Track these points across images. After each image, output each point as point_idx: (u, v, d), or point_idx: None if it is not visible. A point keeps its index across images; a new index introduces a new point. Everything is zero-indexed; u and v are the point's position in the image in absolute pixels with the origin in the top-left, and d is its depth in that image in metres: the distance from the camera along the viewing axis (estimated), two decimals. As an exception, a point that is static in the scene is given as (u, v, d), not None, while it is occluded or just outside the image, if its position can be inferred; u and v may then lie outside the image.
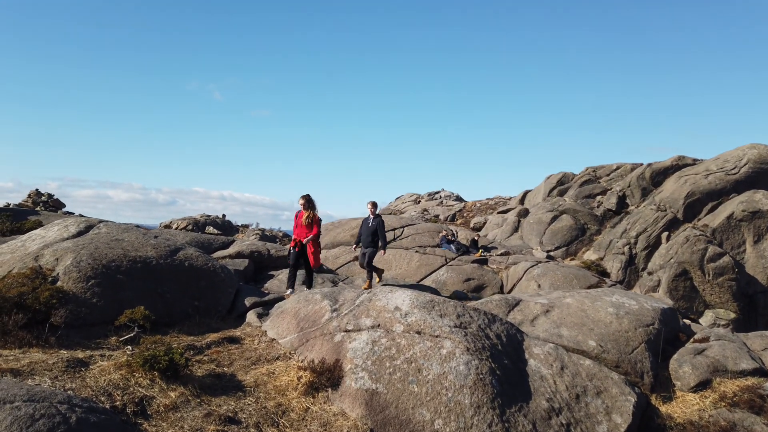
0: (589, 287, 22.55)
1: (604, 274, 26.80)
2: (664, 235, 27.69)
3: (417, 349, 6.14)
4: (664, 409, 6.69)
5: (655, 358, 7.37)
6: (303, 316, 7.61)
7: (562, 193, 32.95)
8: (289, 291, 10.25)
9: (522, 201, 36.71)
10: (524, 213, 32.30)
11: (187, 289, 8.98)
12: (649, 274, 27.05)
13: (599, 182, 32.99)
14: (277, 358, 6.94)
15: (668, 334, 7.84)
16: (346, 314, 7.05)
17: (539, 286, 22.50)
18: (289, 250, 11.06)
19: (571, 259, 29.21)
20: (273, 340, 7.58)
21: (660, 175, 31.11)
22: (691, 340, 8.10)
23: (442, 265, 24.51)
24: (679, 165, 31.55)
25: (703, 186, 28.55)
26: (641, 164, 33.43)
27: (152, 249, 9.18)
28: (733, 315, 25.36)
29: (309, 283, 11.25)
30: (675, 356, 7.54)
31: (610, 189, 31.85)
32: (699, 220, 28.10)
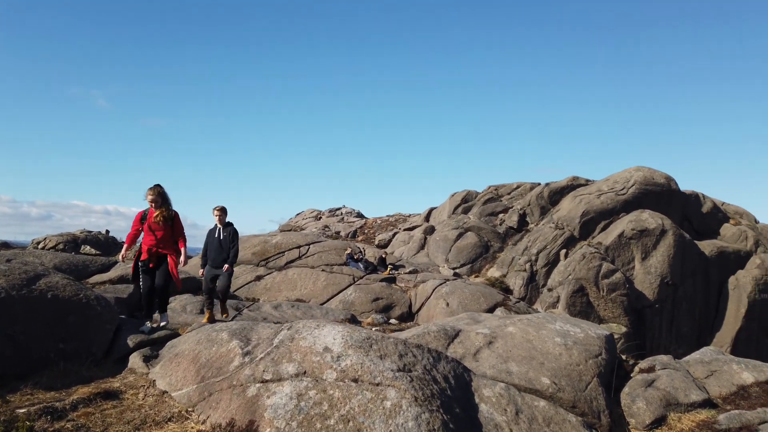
0: (496, 305, 22.55)
1: (507, 290, 27.12)
2: (563, 252, 28.67)
3: (355, 403, 4.92)
4: (624, 453, 6.05)
5: (608, 393, 6.75)
6: (205, 361, 6.08)
7: (466, 211, 33.26)
8: (147, 323, 8.08)
9: (427, 218, 36.69)
10: (430, 230, 32.14)
11: (50, 328, 7.03)
12: (549, 290, 27.79)
13: (501, 200, 33.73)
14: (170, 419, 5.37)
15: (614, 365, 7.30)
16: (262, 358, 5.65)
17: (447, 304, 22.12)
18: (136, 265, 8.03)
19: (475, 276, 29.34)
20: (164, 393, 5.97)
21: (557, 195, 32.39)
22: (637, 369, 7.65)
23: (350, 285, 23.40)
24: (573, 185, 33.06)
25: (596, 205, 30.02)
26: (539, 184, 34.70)
27: (1, 277, 7.15)
28: (624, 329, 26.59)
29: (161, 307, 8.32)
30: (626, 390, 6.99)
31: (512, 207, 32.64)
32: (593, 237, 29.46)
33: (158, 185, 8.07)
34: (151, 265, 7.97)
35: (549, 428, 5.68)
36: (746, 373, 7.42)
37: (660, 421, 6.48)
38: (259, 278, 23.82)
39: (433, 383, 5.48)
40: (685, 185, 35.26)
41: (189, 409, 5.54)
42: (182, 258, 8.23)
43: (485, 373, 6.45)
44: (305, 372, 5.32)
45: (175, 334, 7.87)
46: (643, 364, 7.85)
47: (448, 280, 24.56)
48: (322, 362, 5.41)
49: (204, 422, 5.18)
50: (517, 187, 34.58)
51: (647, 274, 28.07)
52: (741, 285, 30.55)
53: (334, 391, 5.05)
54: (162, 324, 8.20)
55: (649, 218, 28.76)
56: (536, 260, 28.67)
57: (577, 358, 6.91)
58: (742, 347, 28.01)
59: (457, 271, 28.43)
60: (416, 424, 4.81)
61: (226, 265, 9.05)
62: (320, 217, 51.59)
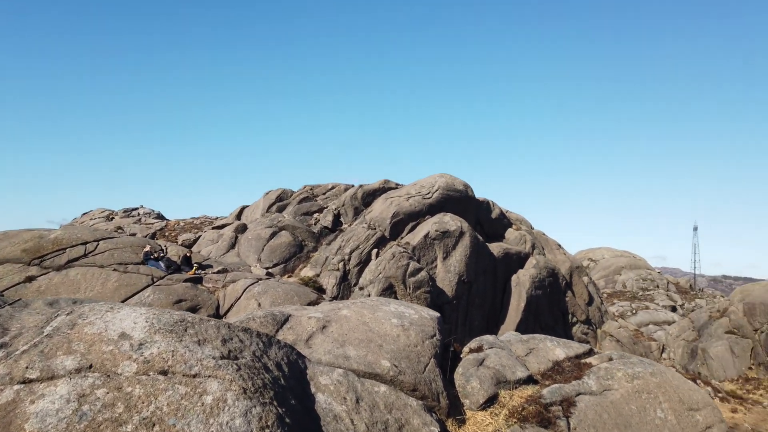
0: (309, 304, 22.02)
1: (320, 290, 26.78)
2: (374, 252, 29.36)
3: (163, 401, 3.74)
4: (460, 434, 5.79)
5: (444, 375, 6.49)
6: (-70, 363, 4.24)
7: (281, 210, 32.24)
8: None
9: (239, 216, 34.73)
10: (242, 229, 30.39)
11: None
12: (361, 288, 28.18)
13: (316, 200, 33.45)
14: None
15: (447, 345, 7.13)
16: (26, 351, 4.08)
17: (260, 304, 20.95)
18: None
19: (289, 276, 28.49)
20: None
21: (370, 196, 33.21)
22: (467, 350, 7.60)
23: (148, 285, 20.75)
24: (385, 188, 34.26)
25: (405, 207, 31.44)
26: (353, 185, 35.27)
27: None
28: (428, 324, 28.05)
29: None
30: (459, 370, 6.83)
31: (327, 207, 32.56)
32: (402, 238, 30.76)
33: None
34: None
35: (391, 415, 5.14)
36: (559, 349, 7.89)
37: (492, 399, 6.44)
38: (30, 279, 19.82)
39: (264, 372, 4.53)
40: (477, 192, 39.01)
41: None
42: None
43: (321, 360, 5.68)
44: (91, 366, 3.95)
45: None
46: (472, 344, 7.89)
47: (260, 279, 23.29)
48: (117, 352, 4.09)
49: None
50: (332, 187, 34.68)
51: (447, 272, 30.16)
52: (521, 282, 34.69)
53: (133, 388, 3.80)
54: None
55: (450, 221, 31.01)
56: (349, 260, 28.89)
57: (414, 338, 6.55)
58: (522, 337, 31.63)
59: (270, 270, 27.25)
60: (245, 422, 3.82)
61: None
62: (113, 218, 45.86)
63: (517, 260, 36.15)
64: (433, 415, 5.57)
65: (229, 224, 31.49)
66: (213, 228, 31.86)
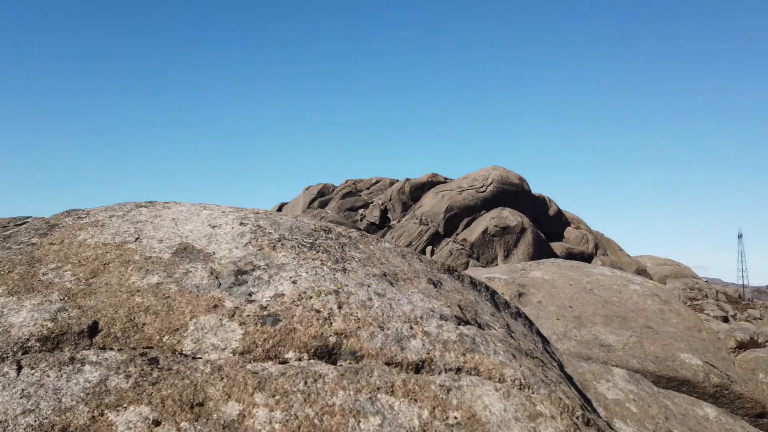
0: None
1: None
2: (429, 249, 26.53)
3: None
4: None
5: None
6: None
7: (322, 205, 29.68)
8: None
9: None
10: (281, 224, 27.92)
11: None
12: (413, 291, 25.39)
13: (360, 195, 30.80)
14: None
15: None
16: None
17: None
18: None
19: (334, 277, 25.85)
20: None
21: (418, 190, 30.44)
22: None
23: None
24: (433, 182, 31.46)
25: (459, 201, 28.56)
26: (397, 180, 32.55)
27: None
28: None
29: None
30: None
31: (372, 202, 29.87)
32: (458, 234, 27.85)
33: None
34: None
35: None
36: None
37: None
38: None
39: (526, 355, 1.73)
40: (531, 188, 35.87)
41: None
42: None
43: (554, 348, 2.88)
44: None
45: None
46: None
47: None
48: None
49: None
50: (377, 182, 31.98)
51: (509, 272, 27.10)
52: (586, 285, 31.28)
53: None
54: None
55: (510, 216, 27.99)
56: (400, 258, 26.11)
57: (689, 319, 3.70)
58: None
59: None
60: None
61: None
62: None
63: (581, 261, 32.77)
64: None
65: (268, 220, 29.05)
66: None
